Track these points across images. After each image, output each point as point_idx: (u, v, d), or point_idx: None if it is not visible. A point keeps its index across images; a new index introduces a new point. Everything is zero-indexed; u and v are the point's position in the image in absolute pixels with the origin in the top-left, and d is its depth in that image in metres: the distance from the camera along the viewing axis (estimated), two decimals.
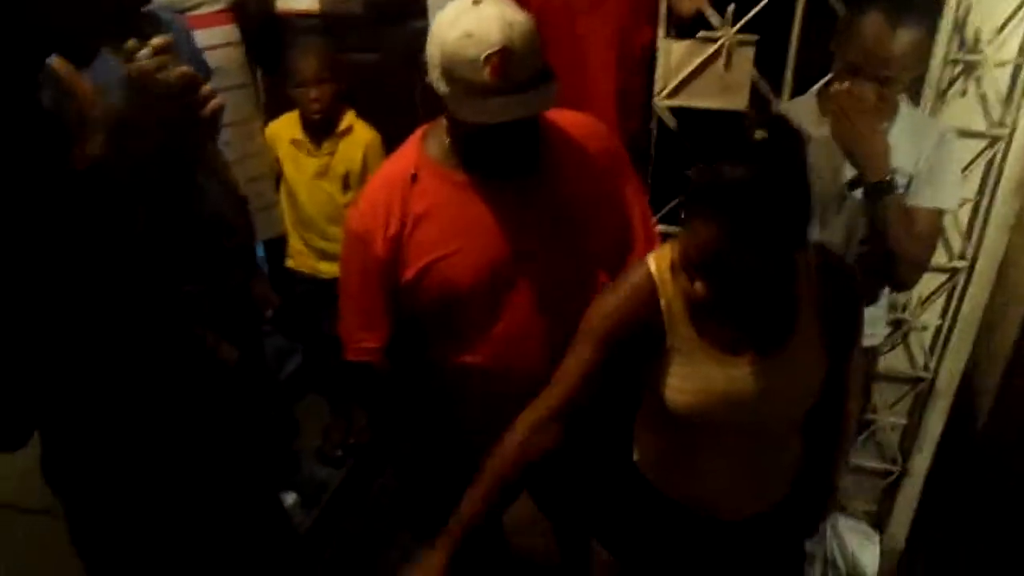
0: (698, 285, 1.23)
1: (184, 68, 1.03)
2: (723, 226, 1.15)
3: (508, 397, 1.60)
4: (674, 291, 1.34)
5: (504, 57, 1.32)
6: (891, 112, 1.77)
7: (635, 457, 1.57)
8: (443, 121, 1.53)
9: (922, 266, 1.84)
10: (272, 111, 2.67)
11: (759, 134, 1.15)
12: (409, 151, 1.57)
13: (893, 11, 1.64)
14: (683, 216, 1.23)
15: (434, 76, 1.40)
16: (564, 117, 1.62)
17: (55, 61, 1.04)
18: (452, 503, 1.48)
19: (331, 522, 2.70)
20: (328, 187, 2.59)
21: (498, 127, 1.38)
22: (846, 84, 1.68)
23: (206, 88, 1.05)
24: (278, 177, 2.65)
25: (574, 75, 2.06)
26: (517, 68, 1.34)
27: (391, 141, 2.58)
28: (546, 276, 1.57)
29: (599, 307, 1.38)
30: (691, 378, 1.35)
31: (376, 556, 2.60)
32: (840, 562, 2.09)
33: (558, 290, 1.58)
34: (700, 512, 1.50)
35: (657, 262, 1.36)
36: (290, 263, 2.75)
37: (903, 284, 1.90)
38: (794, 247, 1.24)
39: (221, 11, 2.35)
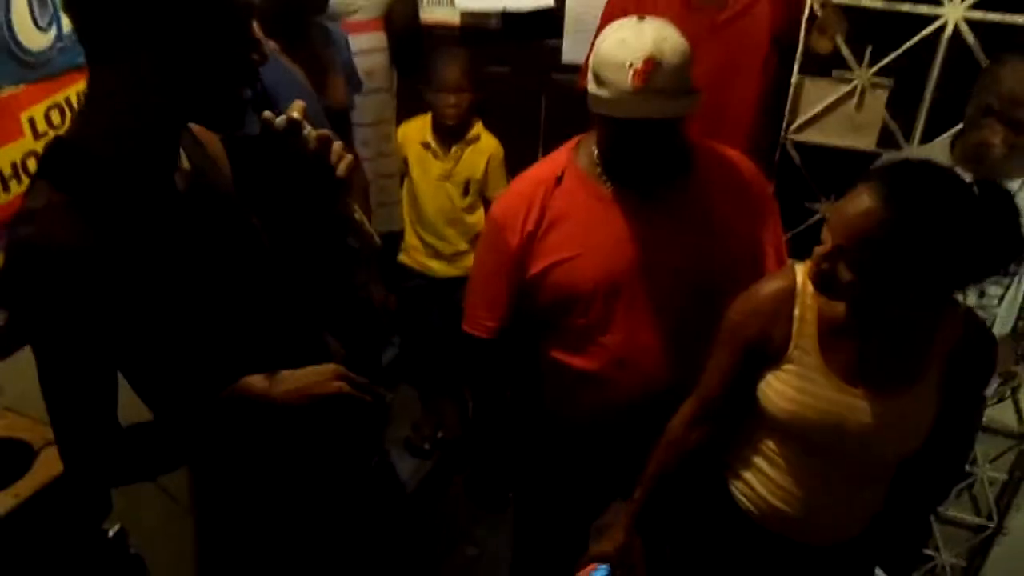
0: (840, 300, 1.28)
1: (323, 132, 1.13)
2: (893, 215, 1.19)
3: (612, 407, 1.69)
4: (810, 305, 1.38)
5: (649, 66, 1.41)
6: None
7: (725, 472, 1.61)
8: (594, 134, 1.62)
9: None
10: (403, 113, 2.79)
11: (973, 186, 1.21)
12: (560, 156, 1.67)
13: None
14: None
15: (589, 76, 1.50)
16: (726, 151, 1.70)
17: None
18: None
19: (411, 512, 2.80)
20: (450, 190, 2.71)
21: (634, 128, 1.46)
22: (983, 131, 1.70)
23: (338, 146, 1.14)
24: (402, 176, 2.78)
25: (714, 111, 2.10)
26: (660, 77, 1.42)
27: (513, 153, 2.71)
28: (666, 296, 1.63)
29: (738, 308, 1.44)
30: (801, 392, 1.38)
31: (452, 548, 2.69)
32: None
33: (676, 311, 1.64)
34: (770, 528, 1.53)
35: (802, 273, 1.39)
36: (403, 258, 2.86)
37: None
38: (947, 287, 1.28)
39: (373, 19, 2.52)
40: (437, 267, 2.82)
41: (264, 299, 1.24)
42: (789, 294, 1.39)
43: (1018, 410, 2.23)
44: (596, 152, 1.62)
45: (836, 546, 1.53)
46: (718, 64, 2.21)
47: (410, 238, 2.83)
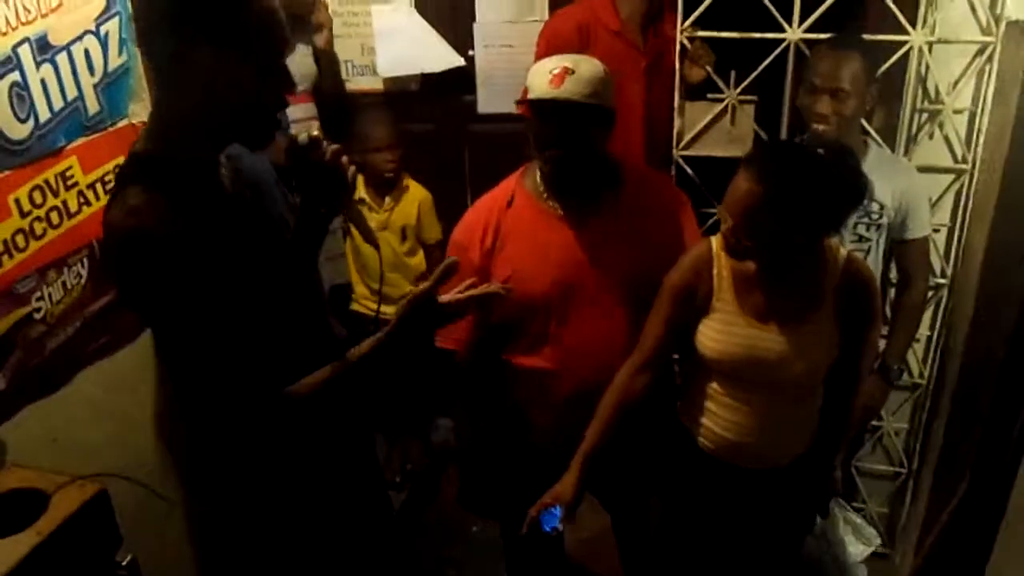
0: (746, 260, 1.64)
1: (336, 146, 1.42)
2: (766, 191, 1.53)
3: (570, 401, 1.92)
4: (725, 264, 1.73)
5: (564, 72, 1.74)
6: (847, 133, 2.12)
7: (677, 407, 1.91)
8: (536, 163, 1.90)
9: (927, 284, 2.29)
10: None
11: (819, 150, 1.59)
12: (509, 183, 1.95)
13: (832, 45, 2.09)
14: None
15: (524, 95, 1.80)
16: (647, 169, 2.08)
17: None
18: (510, 491, 1.84)
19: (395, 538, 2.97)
20: (389, 238, 2.95)
21: (552, 114, 1.74)
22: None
23: (346, 159, 1.44)
24: (343, 232, 3.02)
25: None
26: (572, 83, 1.73)
27: (443, 199, 2.99)
28: (610, 295, 1.89)
29: (672, 271, 1.77)
30: (726, 333, 1.72)
31: (434, 572, 2.86)
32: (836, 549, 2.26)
33: (620, 308, 1.89)
34: (727, 459, 1.81)
35: (716, 242, 1.75)
36: (355, 307, 3.08)
37: (922, 303, 2.32)
38: (819, 233, 1.63)
39: (304, 91, 2.81)
40: (388, 311, 2.99)
41: (290, 282, 1.47)
42: (708, 258, 1.75)
43: (907, 366, 2.54)
44: (538, 176, 1.90)
45: (784, 468, 1.82)
46: (644, 98, 2.60)
47: (359, 287, 3.05)
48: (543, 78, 1.75)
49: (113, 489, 1.80)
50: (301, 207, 1.48)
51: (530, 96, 1.77)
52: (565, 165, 1.83)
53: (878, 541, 2.11)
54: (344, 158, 1.43)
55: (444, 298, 1.40)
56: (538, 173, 1.91)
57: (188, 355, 1.27)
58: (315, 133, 1.41)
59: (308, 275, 1.57)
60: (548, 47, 2.56)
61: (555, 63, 1.77)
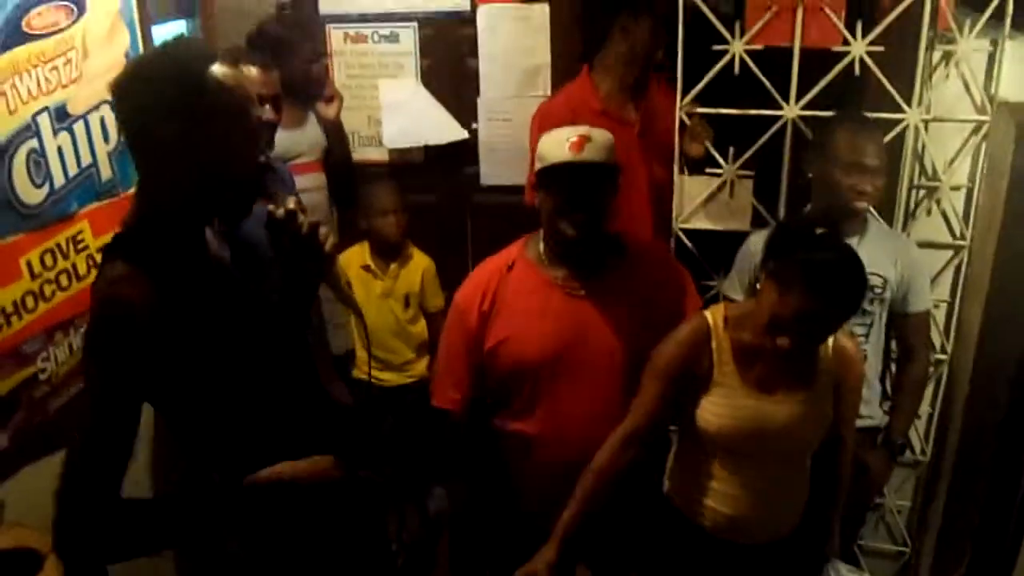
0: (781, 340, 1.62)
1: (313, 219, 1.45)
2: (816, 300, 1.56)
3: (557, 469, 1.89)
4: (724, 337, 1.73)
5: (582, 140, 1.80)
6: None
7: (665, 488, 1.89)
8: (540, 232, 1.94)
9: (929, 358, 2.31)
10: (343, 242, 3.07)
11: (820, 230, 1.63)
12: (512, 249, 1.98)
13: (857, 122, 2.13)
14: (767, 283, 1.64)
15: (536, 166, 1.86)
16: (650, 242, 2.11)
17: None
18: (500, 558, 1.82)
19: None
20: (393, 305, 2.97)
21: (573, 177, 1.79)
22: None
23: (325, 230, 1.47)
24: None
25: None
26: (590, 149, 1.80)
27: (446, 268, 3.01)
28: (603, 367, 1.89)
29: (664, 347, 1.76)
30: (728, 407, 1.72)
31: None
32: None
33: (612, 381, 1.90)
34: (721, 535, 1.79)
35: (712, 315, 1.75)
36: (356, 373, 3.08)
37: (924, 377, 2.33)
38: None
39: (313, 161, 2.86)
40: (389, 378, 3.03)
41: (274, 349, 1.48)
42: (705, 332, 1.74)
43: (909, 442, 2.53)
44: (542, 246, 1.94)
45: (777, 543, 1.80)
46: (640, 165, 2.64)
47: (361, 353, 3.06)
48: (561, 147, 1.81)
49: None
50: (284, 276, 1.50)
51: (549, 163, 1.82)
52: (586, 230, 1.85)
53: None
54: (323, 230, 1.45)
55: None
56: (541, 242, 1.95)
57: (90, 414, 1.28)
58: (291, 206, 1.42)
59: (295, 342, 1.58)
60: (540, 130, 2.60)
61: (570, 133, 1.83)
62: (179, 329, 1.27)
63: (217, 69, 1.27)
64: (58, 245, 1.93)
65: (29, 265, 1.86)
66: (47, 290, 1.91)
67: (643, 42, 2.62)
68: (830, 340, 1.74)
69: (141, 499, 1.37)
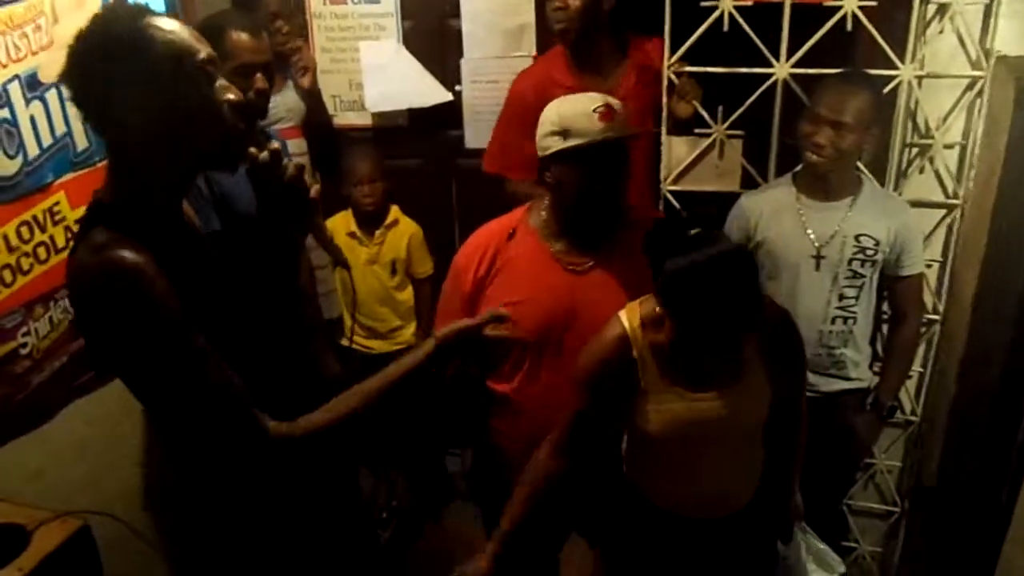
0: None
1: (297, 162, 1.42)
2: (706, 319, 1.48)
3: (537, 438, 1.85)
4: (644, 342, 1.65)
5: (609, 108, 1.74)
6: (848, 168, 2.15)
7: (624, 469, 1.86)
8: (545, 200, 1.89)
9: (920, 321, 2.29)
10: (326, 210, 3.03)
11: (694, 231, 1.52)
12: (515, 215, 1.94)
13: (841, 78, 2.09)
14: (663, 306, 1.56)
15: (547, 142, 1.78)
16: (650, 216, 2.03)
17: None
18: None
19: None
20: (379, 272, 2.95)
21: (606, 154, 1.74)
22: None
23: (309, 179, 1.42)
24: (333, 265, 3.00)
25: None
26: (616, 118, 1.75)
27: (432, 233, 2.99)
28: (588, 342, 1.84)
29: (584, 358, 1.69)
30: (661, 412, 1.65)
31: None
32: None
33: None
34: (680, 513, 1.77)
35: (629, 319, 1.67)
36: (344, 341, 3.06)
37: (916, 340, 2.32)
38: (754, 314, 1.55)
39: (294, 127, 2.81)
40: (376, 345, 3.02)
41: (259, 314, 1.46)
42: (624, 339, 1.66)
43: (899, 403, 2.53)
44: (546, 215, 1.89)
45: (734, 515, 1.78)
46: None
47: (348, 320, 3.04)
48: (590, 120, 1.74)
49: (96, 525, 1.78)
50: (266, 226, 1.46)
51: (582, 141, 1.74)
52: (614, 205, 1.83)
53: (842, 569, 2.06)
54: (308, 177, 1.41)
55: (490, 333, 1.45)
56: (545, 211, 1.90)
57: (180, 393, 1.24)
58: (275, 146, 1.38)
59: (284, 301, 1.55)
60: (508, 107, 2.64)
61: (590, 102, 1.76)
62: (170, 294, 1.22)
63: (158, 21, 1.22)
64: (34, 217, 1.89)
65: (5, 238, 1.82)
66: (24, 263, 1.87)
67: (567, 5, 2.43)
68: None
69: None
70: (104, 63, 1.18)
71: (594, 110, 1.74)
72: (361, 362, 3.01)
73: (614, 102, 1.77)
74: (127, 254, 1.18)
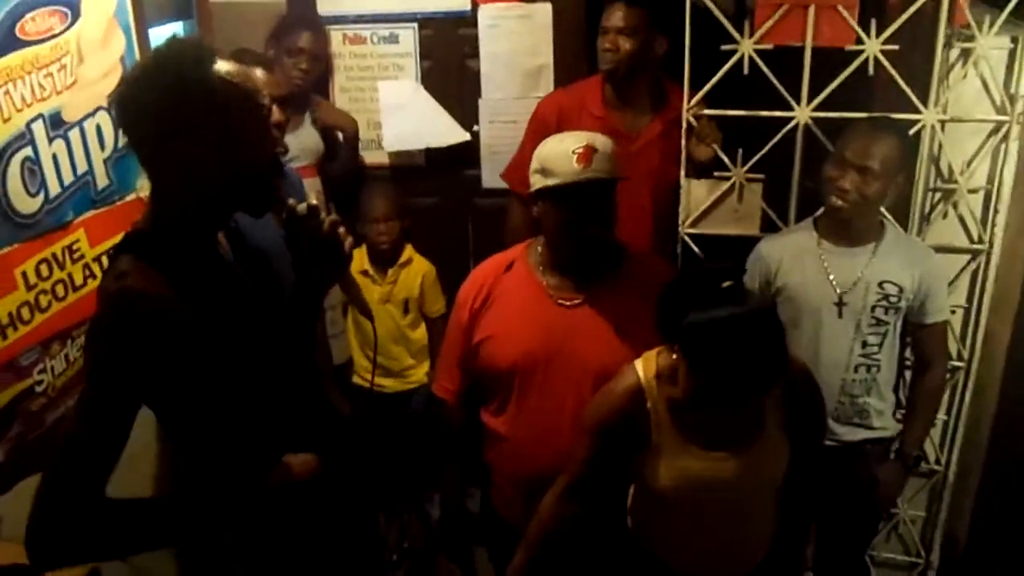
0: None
1: (333, 216, 1.41)
2: (731, 371, 1.44)
3: (522, 474, 1.90)
4: (659, 395, 1.62)
5: (589, 150, 1.75)
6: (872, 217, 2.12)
7: (629, 525, 1.81)
8: (542, 238, 1.92)
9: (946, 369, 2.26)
10: None
11: (727, 283, 1.48)
12: (516, 250, 1.97)
13: (869, 123, 2.07)
14: (677, 357, 1.52)
15: (533, 178, 1.81)
16: (651, 258, 2.08)
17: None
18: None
19: None
20: (392, 311, 2.93)
21: (580, 195, 1.74)
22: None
23: (344, 230, 1.42)
24: (344, 306, 3.00)
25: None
26: (597, 160, 1.75)
27: (447, 272, 2.96)
28: (578, 379, 1.84)
29: (596, 405, 1.67)
30: (674, 468, 1.61)
31: None
32: None
33: (584, 392, 1.82)
34: (688, 572, 1.72)
35: (644, 369, 1.64)
36: (356, 380, 3.04)
37: (941, 388, 2.29)
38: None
39: (308, 165, 2.82)
40: (388, 384, 3.00)
41: (281, 354, 1.45)
42: (638, 391, 1.63)
43: (923, 452, 2.48)
44: (541, 250, 1.91)
45: (752, 571, 1.74)
46: (638, 179, 2.51)
47: (360, 360, 3.01)
48: (567, 161, 1.75)
49: (106, 570, 1.75)
50: (297, 278, 1.46)
51: (557, 181, 1.76)
52: (594, 245, 1.83)
53: None
54: (342, 229, 1.41)
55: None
56: (540, 248, 1.92)
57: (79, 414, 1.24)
58: (314, 202, 1.39)
59: (303, 345, 1.54)
60: (532, 124, 2.71)
61: (573, 142, 1.77)
62: (189, 330, 1.23)
63: (219, 64, 1.24)
64: (54, 255, 1.88)
65: (24, 276, 1.81)
66: (43, 301, 1.86)
67: (618, 48, 2.49)
68: None
69: (123, 500, 1.30)
70: (168, 98, 1.19)
71: (573, 151, 1.75)
72: (374, 401, 3.00)
73: (600, 144, 1.77)
74: (146, 285, 1.20)
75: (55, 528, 1.22)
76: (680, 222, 2.49)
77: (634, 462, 1.66)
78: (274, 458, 1.42)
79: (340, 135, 3.01)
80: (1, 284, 1.76)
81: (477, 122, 3.13)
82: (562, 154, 1.76)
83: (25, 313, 1.81)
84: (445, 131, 3.10)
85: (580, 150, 1.75)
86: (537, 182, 1.81)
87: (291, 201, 1.38)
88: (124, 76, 1.23)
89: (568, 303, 1.86)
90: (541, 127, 2.55)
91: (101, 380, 1.22)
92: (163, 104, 1.20)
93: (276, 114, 2.00)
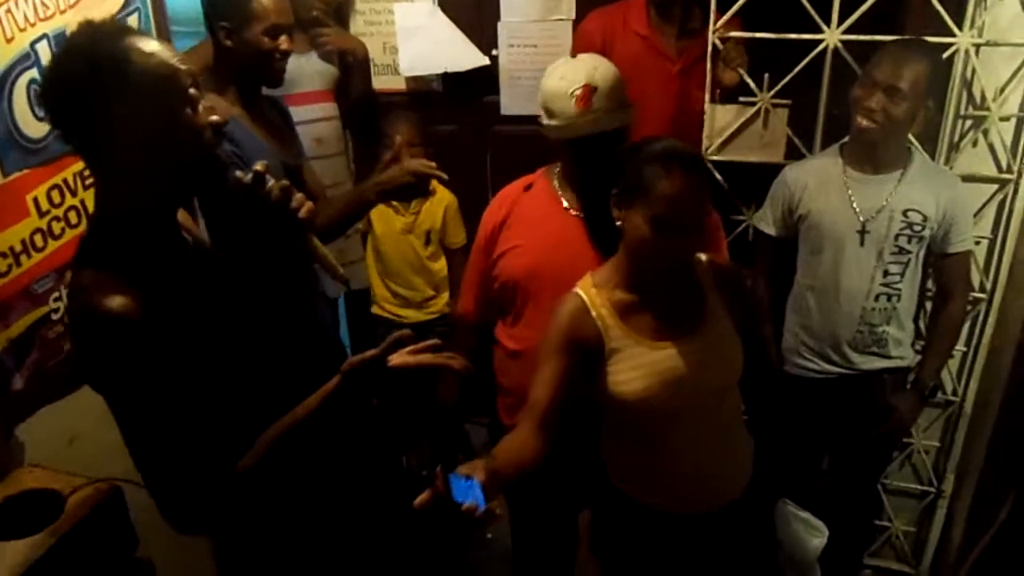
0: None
1: (284, 182, 1.35)
2: (676, 178, 1.51)
3: (526, 387, 1.83)
4: (601, 302, 1.64)
5: (587, 91, 1.70)
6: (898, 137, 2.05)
7: (609, 475, 1.80)
8: (559, 162, 1.92)
9: (967, 300, 2.23)
10: (361, 175, 3.00)
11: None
12: (535, 175, 1.99)
13: (900, 45, 2.00)
14: (625, 212, 1.59)
15: (542, 115, 1.80)
16: None
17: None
18: None
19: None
20: (413, 242, 2.91)
21: (586, 143, 1.73)
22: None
23: (299, 196, 1.36)
24: (363, 234, 2.99)
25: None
26: (598, 99, 1.71)
27: (465, 202, 2.93)
28: None
29: (549, 332, 1.66)
30: (632, 368, 1.62)
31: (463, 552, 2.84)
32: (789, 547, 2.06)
33: None
34: (674, 510, 1.72)
35: (583, 288, 1.67)
36: (375, 310, 3.04)
37: (961, 319, 2.25)
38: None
39: (320, 91, 2.77)
40: (409, 314, 2.99)
41: (259, 334, 1.42)
42: (582, 307, 1.65)
43: (940, 382, 2.46)
44: (559, 171, 1.92)
45: (725, 509, 1.73)
46: (674, 102, 2.55)
47: (380, 290, 3.01)
48: (564, 101, 1.72)
49: (128, 491, 1.78)
50: (252, 248, 1.42)
51: (558, 126, 1.76)
52: (602, 179, 1.78)
53: (826, 532, 2.01)
54: (297, 196, 1.36)
55: (395, 361, 1.33)
56: (558, 170, 1.93)
57: (142, 433, 1.23)
58: (258, 168, 1.33)
59: (297, 309, 1.53)
60: (576, 45, 2.65)
61: (571, 81, 1.73)
62: (152, 334, 1.18)
63: (137, 43, 1.18)
64: (65, 181, 1.87)
65: (36, 202, 1.80)
66: (55, 227, 1.85)
67: None
68: (702, 262, 1.70)
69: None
70: (86, 83, 1.14)
71: (571, 93, 1.71)
72: (390, 331, 3.00)
73: (600, 77, 1.73)
74: (108, 300, 1.15)
75: (201, 507, 1.25)
76: (703, 148, 2.43)
77: (595, 381, 1.66)
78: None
79: (350, 59, 2.94)
80: (13, 210, 1.75)
81: (496, 46, 3.04)
82: (561, 94, 1.73)
83: (38, 240, 1.81)
84: (463, 55, 3.03)
85: (579, 91, 1.71)
86: (544, 118, 1.80)
87: (238, 173, 1.32)
88: (45, 69, 1.18)
89: (588, 218, 1.86)
90: (587, 48, 2.43)
91: (140, 388, 1.19)
92: (80, 88, 1.15)
93: (284, 42, 1.99)
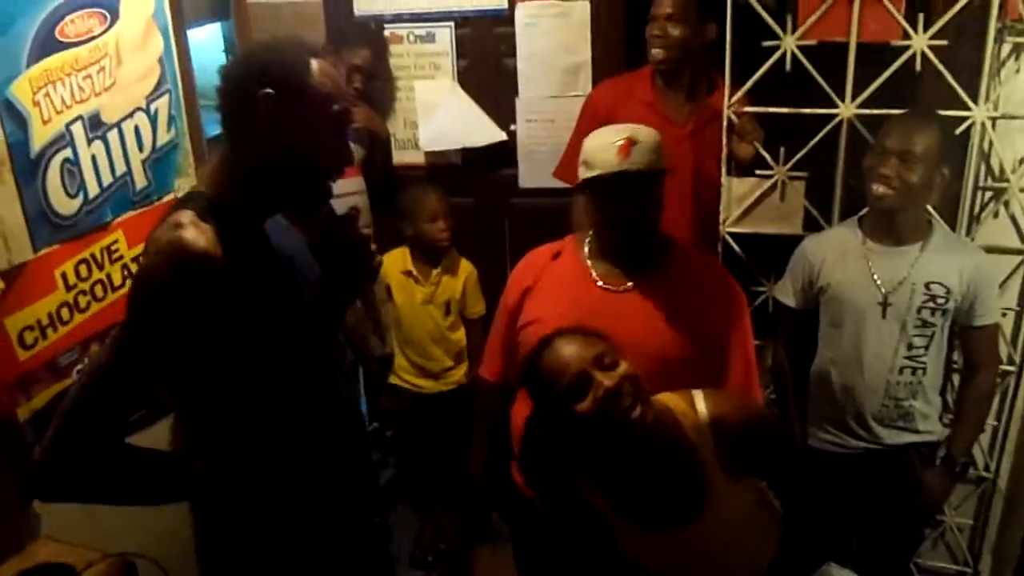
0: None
1: (368, 230, 1.41)
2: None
3: None
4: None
5: (629, 143, 1.73)
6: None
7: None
8: (586, 232, 1.92)
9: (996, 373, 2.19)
10: (382, 246, 3.02)
11: None
12: (566, 240, 1.98)
13: (910, 115, 2.02)
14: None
15: (580, 170, 1.81)
16: (705, 255, 2.05)
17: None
18: None
19: None
20: (433, 312, 2.90)
21: (620, 185, 1.73)
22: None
23: (374, 247, 1.44)
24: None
25: None
26: (638, 153, 1.73)
27: (484, 273, 2.94)
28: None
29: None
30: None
31: None
32: None
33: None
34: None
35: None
36: (393, 379, 3.03)
37: (991, 393, 2.21)
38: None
39: (354, 166, 2.81)
40: (427, 385, 2.98)
41: (307, 349, 1.44)
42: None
43: (972, 458, 2.40)
44: (590, 240, 1.91)
45: None
46: (686, 167, 2.53)
47: (398, 359, 3.00)
48: (608, 152, 1.74)
49: (142, 565, 1.76)
50: (323, 282, 1.44)
51: (596, 172, 1.76)
52: (634, 235, 1.83)
53: None
54: (374, 246, 1.43)
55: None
56: (588, 238, 1.91)
57: (97, 369, 1.24)
58: (354, 207, 1.39)
59: (326, 348, 1.53)
60: (582, 115, 2.69)
61: (615, 135, 1.76)
62: (230, 294, 1.23)
63: (316, 63, 1.29)
64: (92, 255, 1.91)
65: (64, 277, 1.84)
66: (82, 301, 1.88)
67: (667, 35, 2.49)
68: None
69: (138, 447, 1.30)
70: (260, 83, 1.24)
71: (613, 143, 1.74)
72: (414, 401, 3.00)
73: (643, 136, 1.76)
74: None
75: (68, 461, 1.22)
76: (721, 221, 2.44)
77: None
78: (291, 458, 1.41)
79: (374, 138, 3.00)
80: (41, 284, 1.79)
81: (514, 121, 3.10)
82: (604, 146, 1.76)
83: (65, 313, 1.84)
84: (482, 130, 3.09)
85: (621, 142, 1.74)
86: (581, 174, 1.81)
87: (332, 203, 1.39)
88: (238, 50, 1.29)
89: (615, 288, 1.85)
90: (592, 118, 2.53)
91: (137, 325, 1.21)
92: (263, 74, 1.24)
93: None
